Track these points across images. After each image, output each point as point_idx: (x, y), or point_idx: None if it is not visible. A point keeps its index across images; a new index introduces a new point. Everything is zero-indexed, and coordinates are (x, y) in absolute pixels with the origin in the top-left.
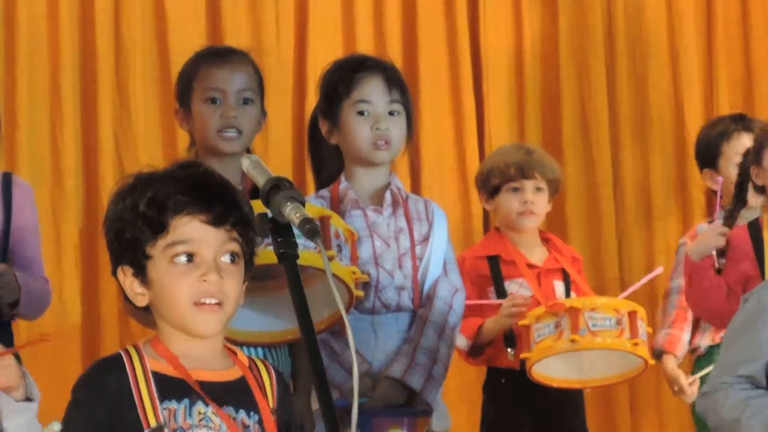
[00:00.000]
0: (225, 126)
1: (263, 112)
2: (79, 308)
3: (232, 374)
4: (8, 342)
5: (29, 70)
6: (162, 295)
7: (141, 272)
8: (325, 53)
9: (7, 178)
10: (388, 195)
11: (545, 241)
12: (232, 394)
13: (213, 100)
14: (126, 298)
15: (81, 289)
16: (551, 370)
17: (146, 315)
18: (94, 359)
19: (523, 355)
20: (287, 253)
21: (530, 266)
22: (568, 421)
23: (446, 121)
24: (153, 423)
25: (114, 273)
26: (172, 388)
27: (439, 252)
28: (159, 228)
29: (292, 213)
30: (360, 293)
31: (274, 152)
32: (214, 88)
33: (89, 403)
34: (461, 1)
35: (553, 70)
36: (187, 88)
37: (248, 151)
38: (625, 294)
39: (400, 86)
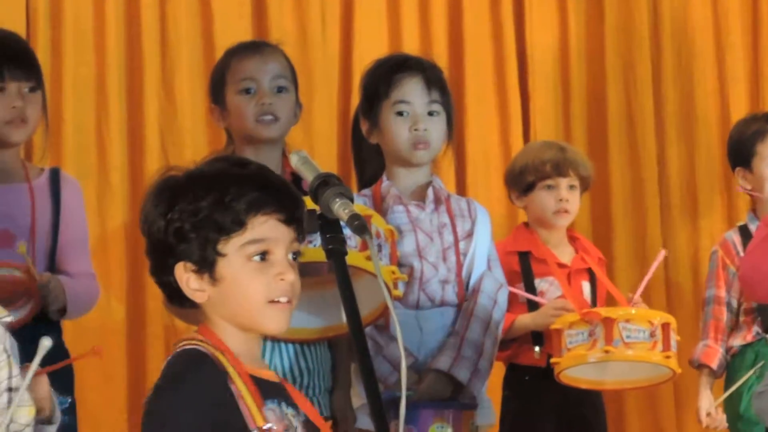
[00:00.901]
0: (261, 113)
1: (299, 104)
2: (124, 304)
3: (275, 375)
4: (57, 339)
5: (75, 65)
6: (233, 292)
7: (208, 269)
8: (370, 49)
9: (56, 173)
10: (430, 192)
11: (572, 239)
12: (287, 395)
13: (247, 91)
14: (173, 296)
15: (126, 284)
16: (578, 371)
17: (188, 312)
18: (138, 355)
19: (553, 360)
20: (336, 249)
21: (560, 266)
22: (590, 419)
23: (491, 119)
24: (260, 425)
25: (160, 270)
26: (265, 388)
27: (483, 248)
28: (236, 227)
29: (341, 209)
30: (399, 293)
31: (318, 148)
32: (247, 78)
33: (191, 405)
34: None
35: (598, 68)
36: (220, 83)
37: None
38: (640, 290)
39: (441, 86)
